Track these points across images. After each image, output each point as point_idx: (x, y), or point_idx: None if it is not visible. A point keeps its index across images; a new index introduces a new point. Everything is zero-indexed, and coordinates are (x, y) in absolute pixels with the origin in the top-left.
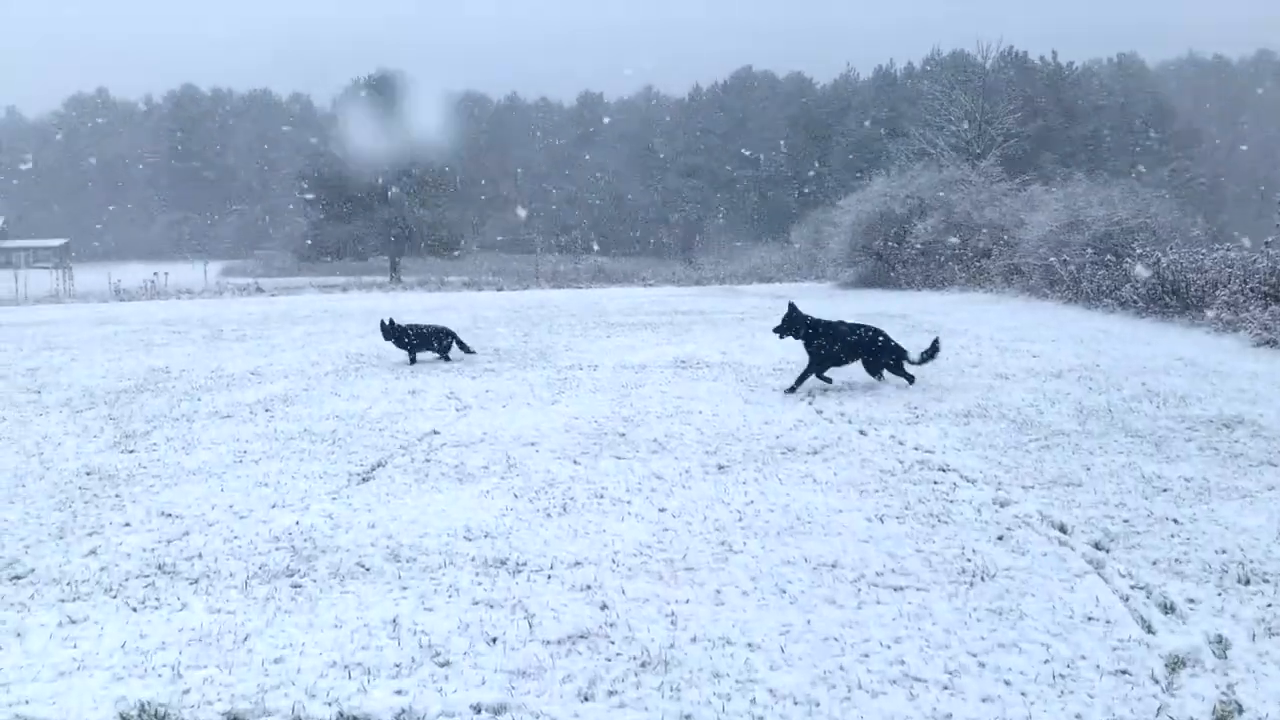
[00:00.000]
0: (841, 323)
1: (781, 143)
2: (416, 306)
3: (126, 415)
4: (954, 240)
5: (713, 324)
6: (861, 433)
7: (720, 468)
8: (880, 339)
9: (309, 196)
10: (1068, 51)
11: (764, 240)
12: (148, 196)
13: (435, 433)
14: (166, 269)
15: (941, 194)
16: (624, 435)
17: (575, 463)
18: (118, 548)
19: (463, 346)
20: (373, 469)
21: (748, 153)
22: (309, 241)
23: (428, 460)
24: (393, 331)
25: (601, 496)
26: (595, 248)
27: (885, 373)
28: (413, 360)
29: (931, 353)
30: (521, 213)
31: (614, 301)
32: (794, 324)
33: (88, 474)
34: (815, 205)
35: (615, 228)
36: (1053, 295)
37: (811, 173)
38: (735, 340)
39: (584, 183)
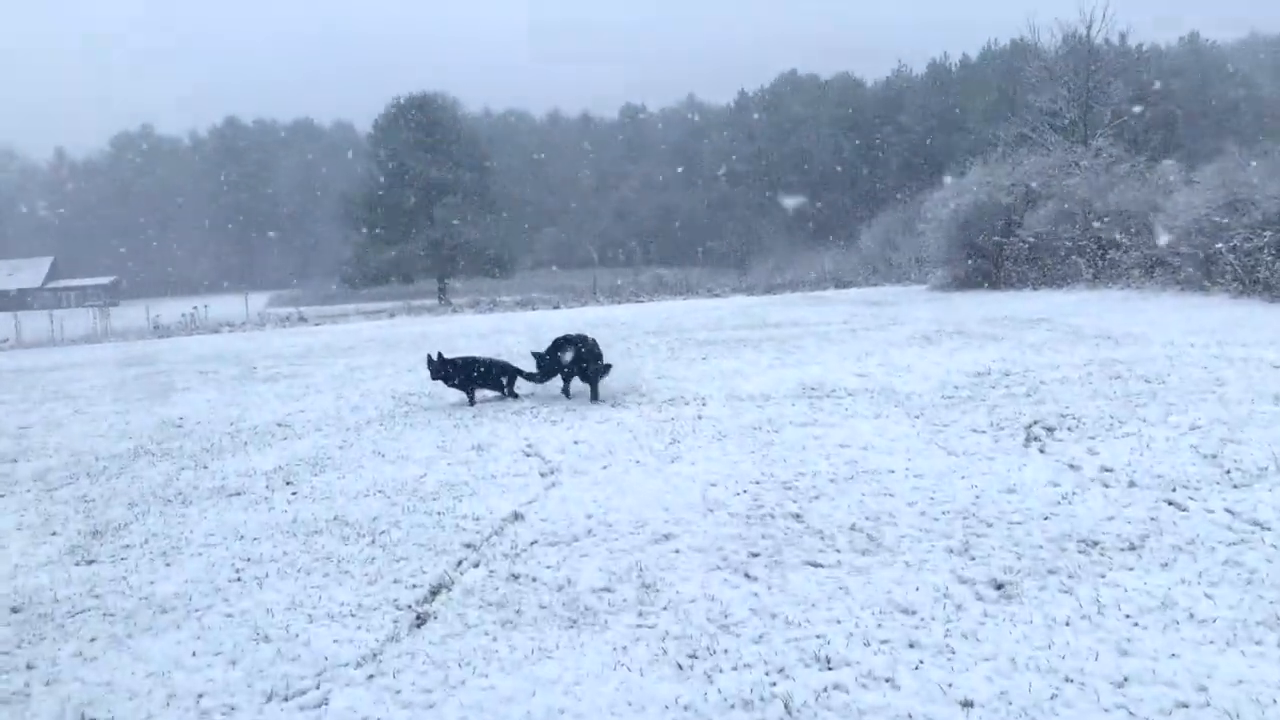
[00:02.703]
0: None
1: (833, 145)
2: (470, 330)
3: (107, 496)
4: (1073, 231)
5: (821, 338)
6: (1174, 504)
7: (999, 587)
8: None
9: (353, 220)
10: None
11: (823, 245)
12: (194, 231)
13: (518, 517)
14: (209, 302)
15: (1053, 180)
16: (800, 517)
17: (749, 577)
18: None
19: (531, 377)
20: (431, 595)
21: (798, 157)
22: (354, 267)
23: (514, 576)
24: (443, 368)
25: (829, 663)
26: (647, 259)
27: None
28: (472, 401)
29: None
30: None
31: (690, 316)
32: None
33: (13, 612)
34: (875, 206)
35: (665, 239)
36: (1216, 289)
37: (866, 173)
38: (865, 357)
39: (631, 195)
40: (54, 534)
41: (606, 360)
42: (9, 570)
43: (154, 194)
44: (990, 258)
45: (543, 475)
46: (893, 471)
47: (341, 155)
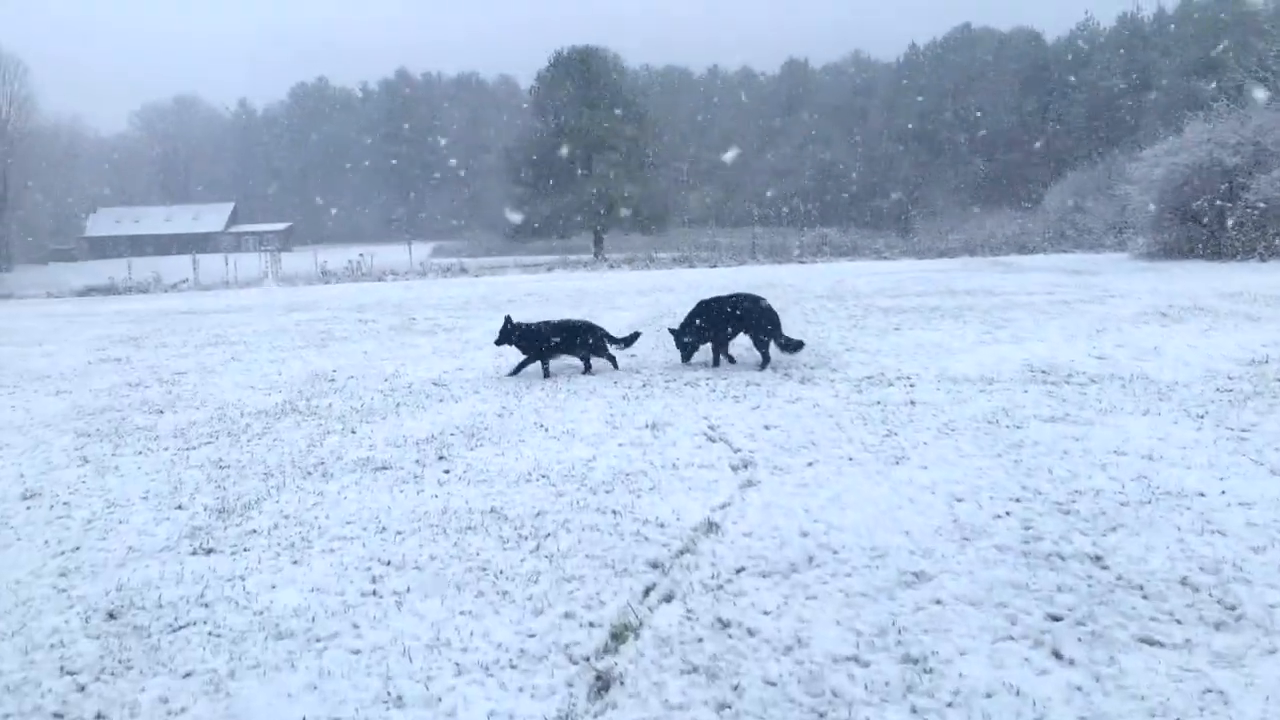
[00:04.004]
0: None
1: (1010, 103)
2: (628, 287)
3: (243, 463)
4: None
5: (1031, 309)
6: None
7: None
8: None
9: (513, 174)
10: None
11: (998, 207)
12: (363, 181)
13: (713, 527)
14: (375, 250)
15: None
16: (1101, 560)
17: (1059, 657)
18: None
19: (625, 341)
20: (614, 641)
21: (972, 115)
22: (513, 220)
23: (722, 623)
24: (516, 333)
25: None
26: (809, 220)
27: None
28: (546, 373)
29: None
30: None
31: (862, 279)
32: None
33: (109, 617)
34: (1056, 168)
35: (826, 198)
36: None
37: (1046, 132)
38: (1097, 335)
39: (791, 153)
40: (179, 508)
41: (778, 326)
42: (121, 553)
43: (327, 144)
44: (1208, 225)
45: (734, 470)
46: (1203, 495)
47: (504, 109)
